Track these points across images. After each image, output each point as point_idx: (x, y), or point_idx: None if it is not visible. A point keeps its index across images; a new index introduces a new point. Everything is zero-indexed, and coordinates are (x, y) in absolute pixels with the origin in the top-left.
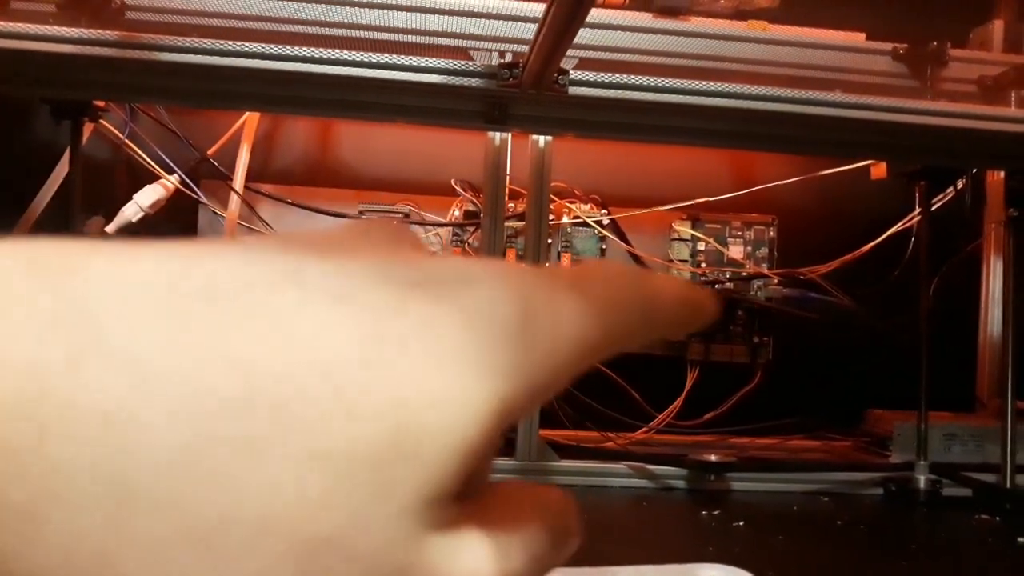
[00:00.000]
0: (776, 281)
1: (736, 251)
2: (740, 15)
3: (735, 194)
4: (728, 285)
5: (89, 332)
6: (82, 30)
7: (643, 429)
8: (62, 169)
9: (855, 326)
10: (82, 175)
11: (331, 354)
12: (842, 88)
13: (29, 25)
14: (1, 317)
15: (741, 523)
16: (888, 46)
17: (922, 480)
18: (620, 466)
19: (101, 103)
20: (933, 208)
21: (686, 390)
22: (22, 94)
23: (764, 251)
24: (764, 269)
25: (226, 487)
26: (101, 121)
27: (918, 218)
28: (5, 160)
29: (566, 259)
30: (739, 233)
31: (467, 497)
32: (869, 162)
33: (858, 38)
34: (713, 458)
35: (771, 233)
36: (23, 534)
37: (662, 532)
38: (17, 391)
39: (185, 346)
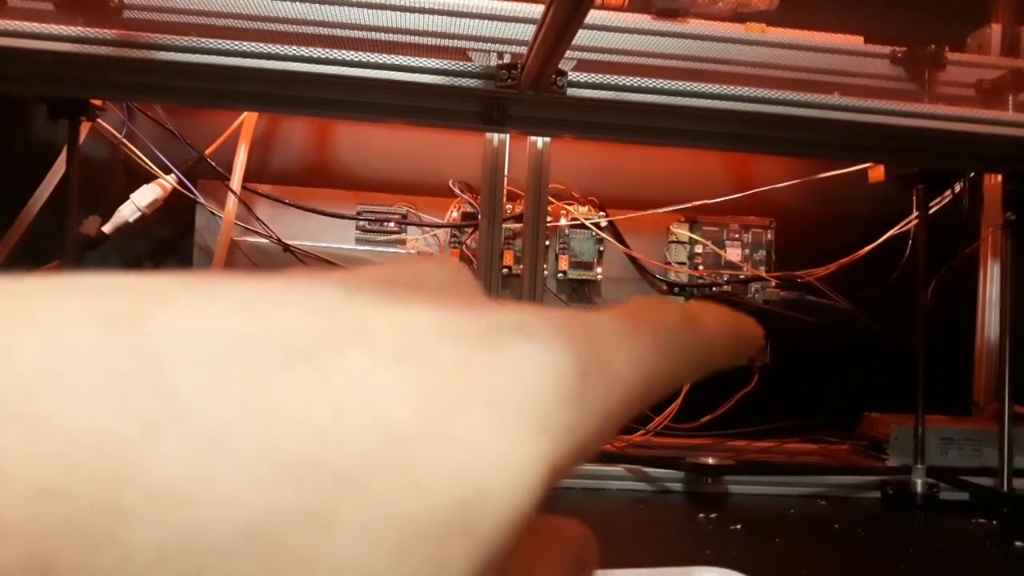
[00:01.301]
0: (774, 284)
1: (734, 254)
2: (738, 17)
3: (733, 196)
4: (725, 288)
5: (163, 400)
6: (80, 28)
7: (640, 432)
8: (59, 168)
9: (852, 329)
10: (79, 174)
11: (396, 420)
12: (840, 91)
13: (27, 23)
14: (71, 380)
15: (738, 526)
16: (886, 49)
17: (919, 484)
18: (617, 469)
19: (99, 102)
20: (931, 211)
21: (683, 393)
22: (19, 92)
23: (762, 254)
24: (762, 272)
25: (294, 562)
26: (98, 120)
27: (916, 221)
28: (2, 158)
29: (564, 261)
30: (737, 236)
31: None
32: (867, 165)
33: (856, 41)
34: (710, 461)
35: (769, 236)
36: None
37: (659, 535)
38: (92, 467)
39: (256, 412)
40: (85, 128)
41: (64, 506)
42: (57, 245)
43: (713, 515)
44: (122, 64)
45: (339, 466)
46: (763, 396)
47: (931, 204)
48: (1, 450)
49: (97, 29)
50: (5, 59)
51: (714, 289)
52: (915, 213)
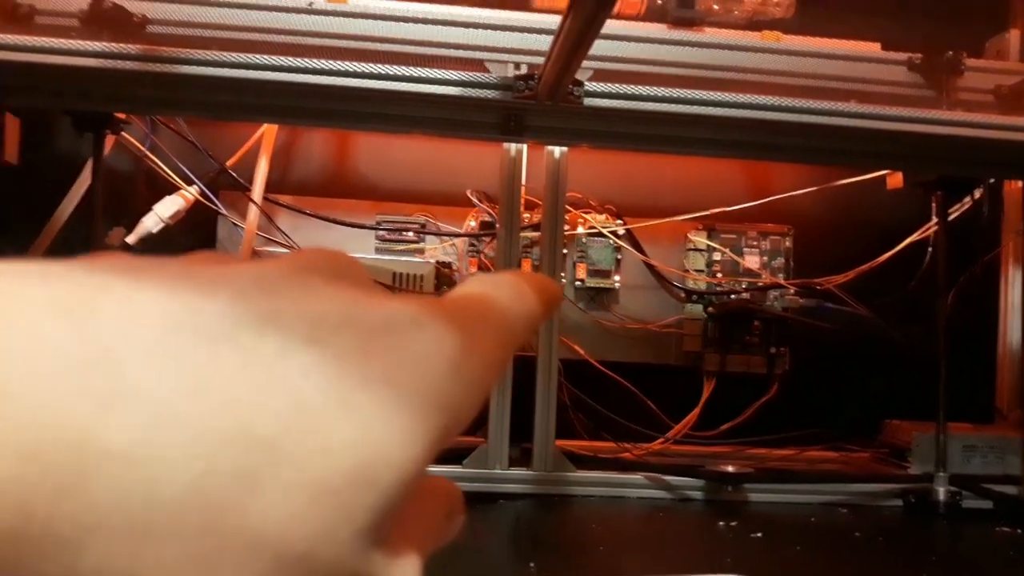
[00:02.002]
0: (792, 291)
1: (752, 261)
2: (754, 25)
3: (751, 204)
4: (744, 295)
5: (115, 379)
6: (105, 44)
7: (660, 440)
8: (84, 180)
9: (872, 336)
10: (104, 186)
11: (309, 396)
12: (858, 98)
13: (53, 39)
14: (36, 365)
15: (759, 534)
16: (904, 56)
17: (942, 492)
18: (637, 477)
19: (123, 115)
20: (950, 218)
21: (703, 401)
22: (46, 106)
23: (780, 261)
24: (780, 279)
25: (227, 514)
26: (123, 133)
27: (935, 228)
28: (29, 171)
29: (581, 269)
30: (755, 243)
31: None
32: (885, 172)
33: (873, 48)
34: (730, 469)
35: (787, 243)
36: (64, 562)
37: (679, 543)
38: (58, 435)
39: (192, 389)
40: (110, 141)
41: (38, 465)
42: (83, 256)
43: (733, 523)
44: (146, 78)
45: (262, 434)
46: (783, 404)
47: (950, 210)
48: None
49: (121, 44)
50: (33, 74)
51: (733, 297)
52: (934, 220)
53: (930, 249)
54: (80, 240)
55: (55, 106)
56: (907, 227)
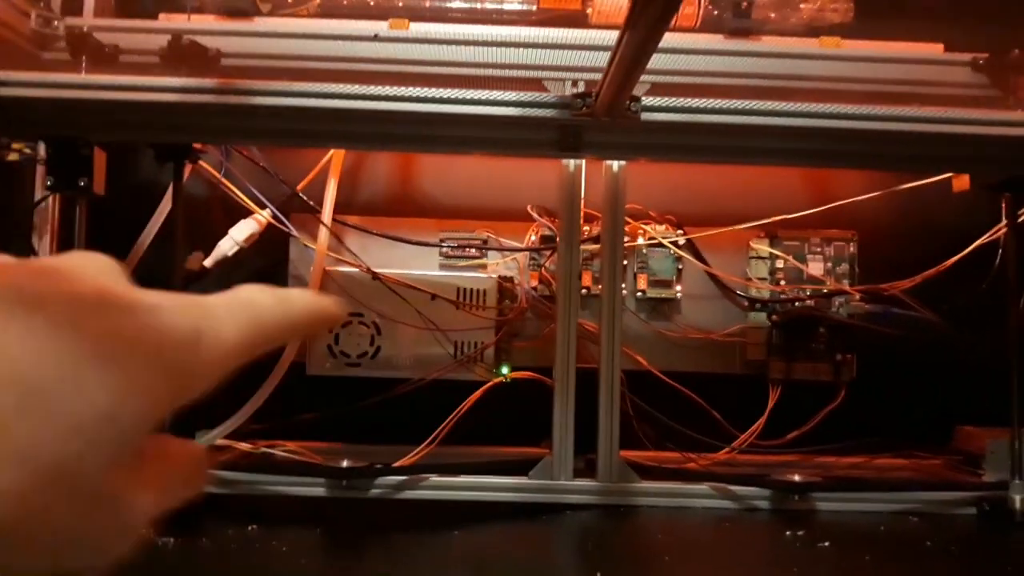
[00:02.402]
0: (858, 297)
1: (816, 268)
2: (812, 32)
3: (813, 211)
4: (808, 302)
5: None
6: (183, 79)
7: (725, 449)
8: (165, 207)
9: (941, 341)
10: (183, 212)
11: (70, 358)
12: (921, 101)
13: (136, 77)
14: None
15: (826, 543)
16: (967, 56)
17: (1018, 500)
18: (702, 487)
19: (199, 145)
20: (1020, 219)
21: (768, 409)
22: (130, 140)
23: (845, 267)
24: (845, 285)
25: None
26: (200, 162)
27: (1004, 230)
28: (115, 200)
29: (642, 280)
30: (818, 249)
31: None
32: (951, 175)
33: (936, 49)
34: (797, 478)
35: (851, 249)
36: None
37: (745, 553)
38: None
39: None
40: (188, 169)
41: None
42: (164, 279)
43: (800, 532)
44: (221, 110)
45: (32, 382)
46: (851, 411)
47: (1020, 212)
48: None
49: (198, 79)
50: (118, 111)
51: (796, 304)
52: (1003, 221)
53: (1000, 251)
54: (162, 264)
55: (138, 139)
56: (975, 230)
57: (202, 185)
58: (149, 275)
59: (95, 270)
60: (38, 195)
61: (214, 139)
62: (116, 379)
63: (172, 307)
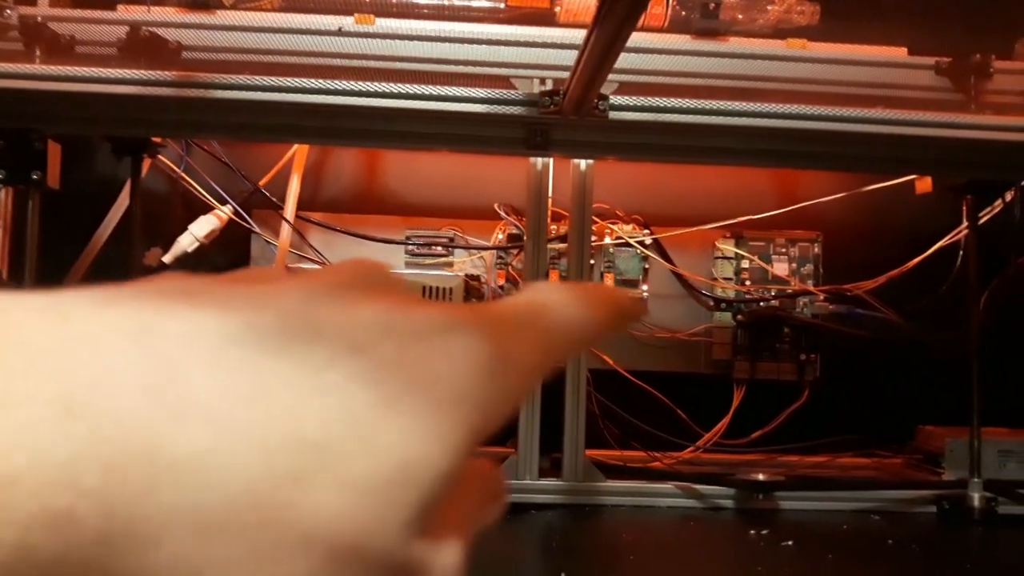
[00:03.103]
0: (822, 298)
1: (781, 268)
2: (779, 34)
3: (779, 211)
4: (773, 303)
5: (181, 392)
6: (142, 72)
7: (690, 448)
8: (123, 202)
9: (904, 342)
10: (141, 207)
11: (355, 401)
12: (885, 104)
13: (93, 69)
14: (113, 383)
15: (790, 542)
16: (931, 60)
17: (976, 497)
18: (667, 486)
19: (159, 139)
20: (981, 221)
21: (733, 408)
22: (87, 133)
23: (809, 268)
24: (809, 286)
25: (282, 512)
26: (159, 156)
27: (966, 232)
28: (69, 194)
29: (609, 279)
30: (783, 250)
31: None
32: (914, 176)
33: (900, 53)
34: (761, 477)
35: (816, 249)
36: (143, 557)
37: (710, 552)
38: (134, 450)
39: (249, 397)
40: (146, 164)
41: (119, 475)
42: (121, 275)
43: (764, 531)
44: (181, 103)
45: (312, 438)
46: (814, 411)
47: (981, 214)
48: (75, 437)
49: (158, 72)
50: (74, 103)
51: (761, 304)
52: (965, 223)
53: (961, 253)
54: (119, 260)
55: (95, 132)
56: (938, 231)
57: (161, 180)
58: (105, 271)
59: (368, 283)
60: None
61: (173, 133)
62: (414, 422)
63: (467, 325)
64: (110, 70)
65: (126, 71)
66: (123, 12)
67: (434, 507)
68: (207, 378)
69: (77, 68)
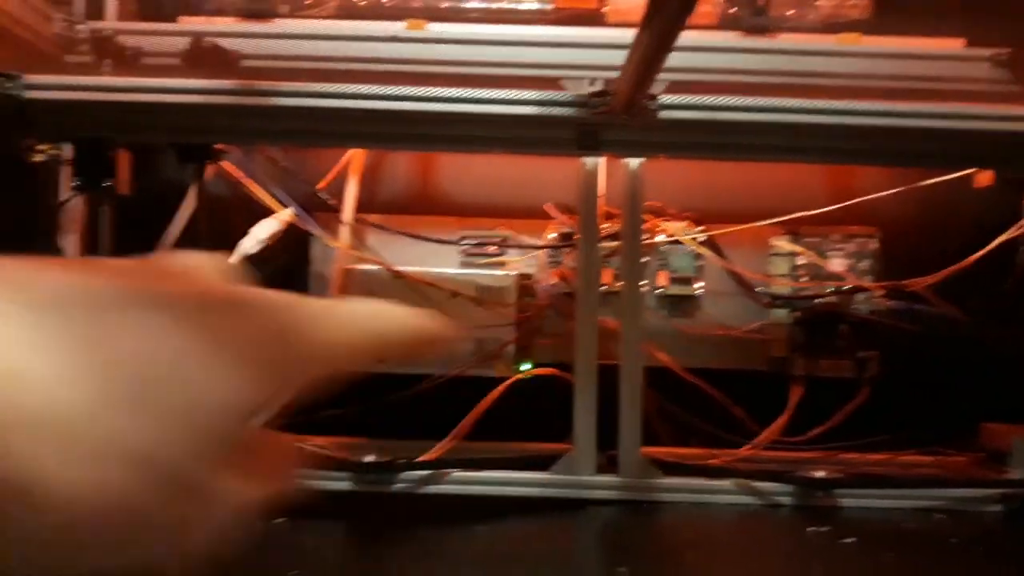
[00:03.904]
0: (880, 294)
1: (837, 264)
2: (831, 28)
3: (835, 207)
4: (830, 299)
5: (23, 348)
6: (204, 81)
7: (748, 446)
8: (188, 207)
9: (966, 338)
10: (205, 212)
11: (175, 352)
12: (942, 97)
13: (158, 80)
14: None
15: (851, 540)
16: (989, 52)
17: None
18: (725, 483)
19: (221, 145)
20: None
21: (791, 406)
22: (153, 141)
23: (867, 264)
24: (867, 282)
25: (115, 431)
26: (222, 162)
27: None
28: (139, 200)
29: (662, 277)
30: (840, 246)
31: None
32: (973, 170)
33: (957, 45)
34: (820, 474)
35: (873, 245)
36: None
37: (768, 548)
38: None
39: (89, 346)
40: (210, 169)
41: None
42: None
43: (824, 528)
44: (242, 111)
45: (145, 375)
46: (874, 408)
47: None
48: None
49: (219, 80)
50: (141, 112)
51: (818, 301)
52: None
53: (1022, 247)
54: None
55: (161, 140)
56: (999, 225)
57: (224, 185)
58: None
59: (213, 271)
60: (64, 195)
61: (235, 140)
62: (228, 373)
63: (273, 306)
64: (174, 80)
65: (189, 81)
66: (184, 23)
67: (228, 447)
68: (46, 333)
69: (143, 79)
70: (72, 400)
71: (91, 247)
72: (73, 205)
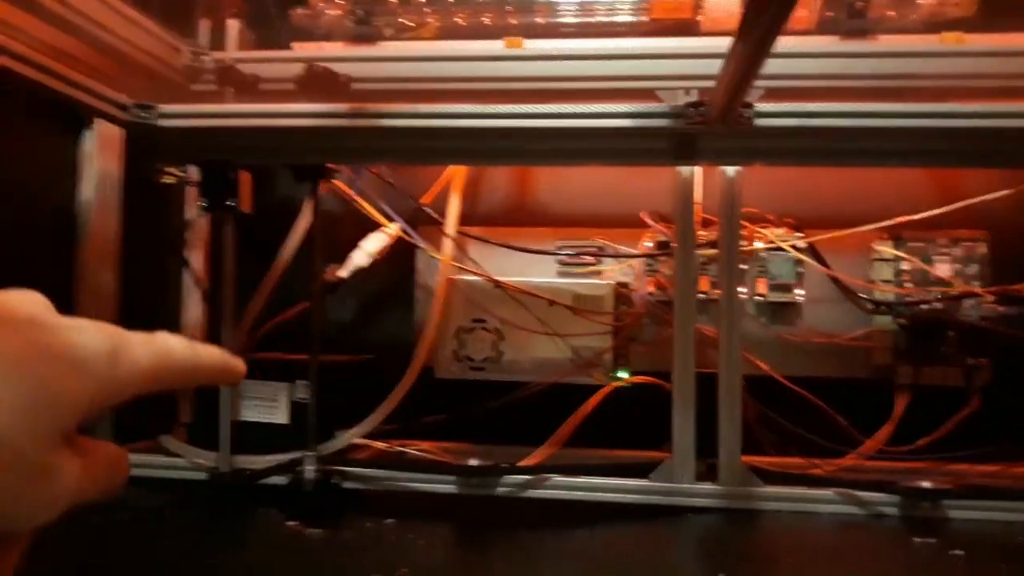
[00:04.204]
0: (990, 299)
1: (943, 270)
2: (933, 28)
3: (940, 211)
4: (937, 305)
5: None
6: (317, 105)
7: (851, 455)
8: (303, 222)
9: None
10: (319, 227)
11: (23, 359)
12: None
13: (275, 105)
14: None
15: (959, 552)
16: None
17: None
18: (828, 492)
19: (333, 164)
20: None
21: (897, 415)
22: (272, 162)
23: (975, 268)
24: (976, 287)
25: None
26: (334, 180)
27: None
28: (258, 218)
29: (761, 284)
30: (946, 251)
31: (74, 441)
32: None
33: None
34: (927, 484)
35: (982, 249)
36: None
37: (872, 558)
38: None
39: None
40: (322, 187)
41: None
42: (303, 289)
43: (931, 540)
44: (353, 132)
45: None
46: (986, 418)
47: None
48: None
49: (331, 104)
50: (260, 136)
51: (924, 307)
52: None
53: None
54: (302, 275)
55: (279, 161)
56: None
57: (336, 201)
58: (291, 286)
59: (28, 302)
60: (189, 214)
61: (346, 159)
62: (42, 376)
63: (94, 330)
64: (290, 105)
65: (304, 105)
66: (298, 50)
67: (62, 438)
68: None
69: (262, 105)
70: None
71: (215, 262)
72: (198, 222)
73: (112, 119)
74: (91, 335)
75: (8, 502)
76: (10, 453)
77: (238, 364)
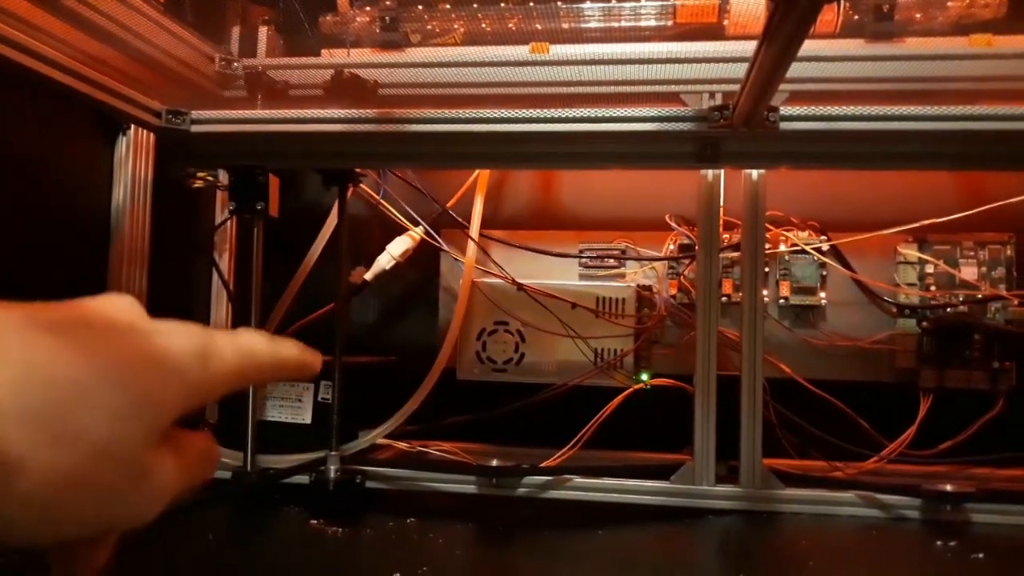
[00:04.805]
0: (1016, 303)
1: (969, 272)
2: (961, 30)
3: (965, 213)
4: (961, 308)
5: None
6: (345, 110)
7: (874, 459)
8: (330, 226)
9: None
10: (346, 231)
11: (119, 364)
12: None
13: (304, 111)
14: None
15: (980, 555)
16: None
17: None
18: (849, 495)
19: (360, 169)
20: None
21: (920, 418)
22: (300, 166)
23: (1001, 271)
24: (1002, 290)
25: (70, 418)
26: (360, 184)
27: None
28: (285, 221)
29: (785, 287)
30: (971, 254)
31: (169, 438)
32: None
33: None
34: (949, 488)
35: (1008, 252)
36: None
37: (893, 561)
38: None
39: (48, 359)
40: (349, 191)
41: None
42: (329, 291)
43: (952, 543)
44: (380, 137)
45: (83, 382)
46: (1010, 422)
47: None
48: None
49: (358, 109)
50: (289, 141)
51: (949, 310)
52: None
53: None
54: (328, 277)
55: (307, 165)
56: None
57: (362, 205)
58: (317, 288)
59: (124, 309)
60: (218, 217)
61: (373, 163)
62: (142, 383)
63: (184, 333)
64: (318, 110)
65: (332, 110)
66: (327, 56)
67: (159, 439)
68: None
69: (291, 111)
70: (42, 396)
71: (243, 264)
72: (227, 225)
73: (146, 125)
74: (183, 339)
75: (113, 504)
76: (114, 459)
77: (316, 358)
